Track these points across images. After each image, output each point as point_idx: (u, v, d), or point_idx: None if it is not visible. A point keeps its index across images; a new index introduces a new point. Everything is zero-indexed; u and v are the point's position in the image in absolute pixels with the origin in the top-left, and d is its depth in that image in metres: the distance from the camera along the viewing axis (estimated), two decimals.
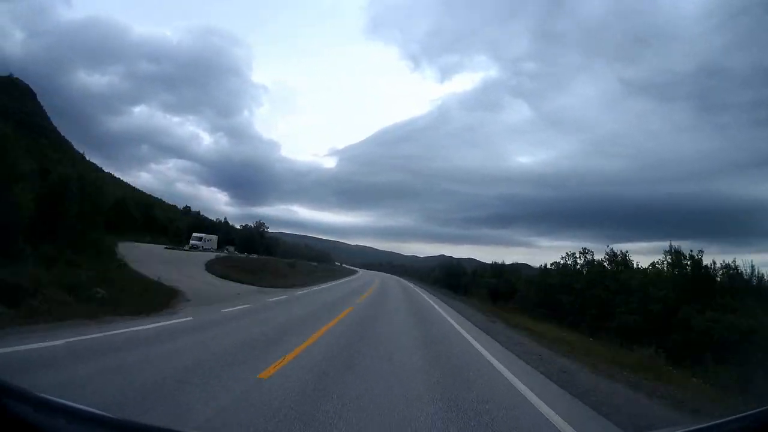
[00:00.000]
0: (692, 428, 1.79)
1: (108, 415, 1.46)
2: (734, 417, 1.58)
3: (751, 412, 1.56)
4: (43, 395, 1.36)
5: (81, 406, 1.41)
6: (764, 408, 1.52)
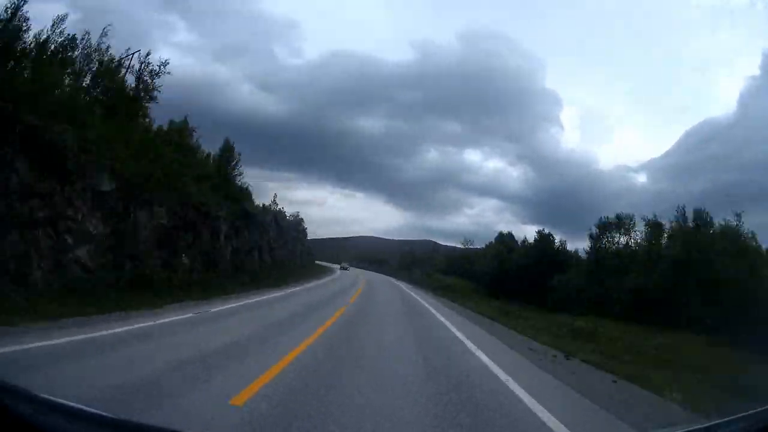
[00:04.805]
0: (692, 428, 1.81)
1: (108, 415, 1.45)
2: (734, 417, 1.59)
3: (752, 412, 1.57)
4: (43, 395, 1.35)
5: (81, 406, 1.40)
6: (765, 408, 1.53)
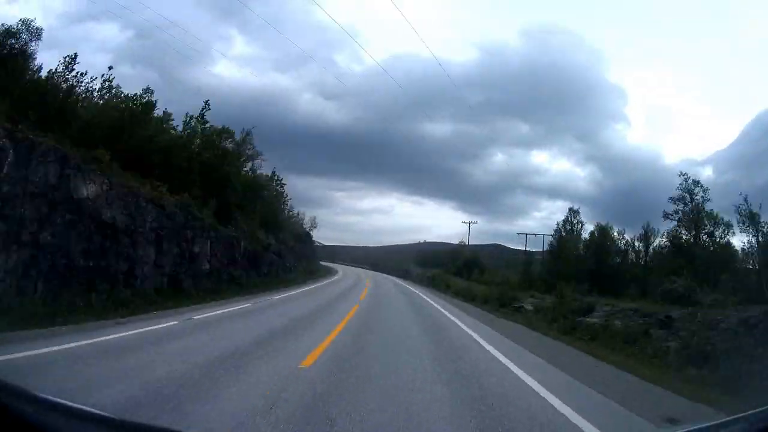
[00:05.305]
0: (693, 428, 1.81)
1: (108, 415, 1.45)
2: (735, 417, 1.59)
3: (752, 412, 1.57)
4: (43, 395, 1.34)
5: (81, 406, 1.40)
6: (765, 408, 1.53)
